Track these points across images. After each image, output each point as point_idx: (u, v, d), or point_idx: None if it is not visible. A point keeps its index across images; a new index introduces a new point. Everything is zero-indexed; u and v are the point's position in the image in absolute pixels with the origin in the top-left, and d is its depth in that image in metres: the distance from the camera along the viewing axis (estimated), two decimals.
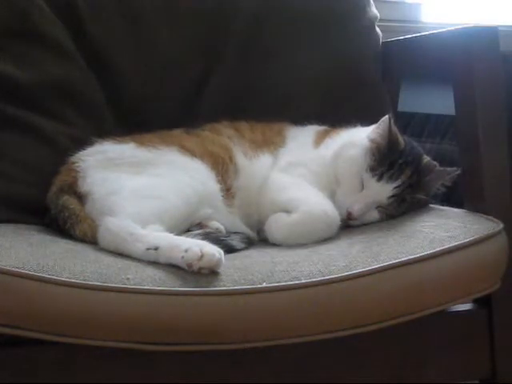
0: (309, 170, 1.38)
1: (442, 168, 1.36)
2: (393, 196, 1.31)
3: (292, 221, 1.23)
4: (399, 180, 1.30)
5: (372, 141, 1.34)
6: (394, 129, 1.34)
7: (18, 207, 1.36)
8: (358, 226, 1.32)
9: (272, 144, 1.44)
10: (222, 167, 1.36)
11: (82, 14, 1.53)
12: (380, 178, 1.31)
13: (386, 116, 1.34)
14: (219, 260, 1.08)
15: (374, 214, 1.32)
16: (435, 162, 1.37)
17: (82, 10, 1.53)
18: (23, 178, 1.38)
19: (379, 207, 1.32)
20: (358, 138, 1.37)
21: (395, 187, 1.30)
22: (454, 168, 1.34)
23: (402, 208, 1.32)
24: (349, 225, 1.32)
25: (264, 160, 1.40)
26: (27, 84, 1.44)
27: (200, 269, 1.07)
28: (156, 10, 1.60)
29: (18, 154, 1.40)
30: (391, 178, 1.30)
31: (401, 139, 1.35)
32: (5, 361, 1.11)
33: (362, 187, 1.32)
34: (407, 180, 1.31)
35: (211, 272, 1.08)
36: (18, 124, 1.42)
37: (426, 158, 1.38)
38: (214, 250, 1.08)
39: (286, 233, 1.23)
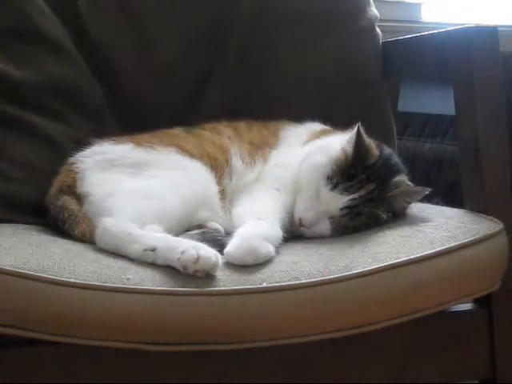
0: (289, 170, 1.35)
1: (411, 187, 1.31)
2: (346, 208, 1.26)
3: (228, 248, 1.14)
4: (356, 194, 1.26)
5: (342, 150, 1.30)
6: (367, 141, 1.30)
7: (18, 207, 1.36)
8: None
9: (267, 146, 1.42)
10: (220, 169, 1.35)
11: (82, 14, 1.54)
12: (334, 188, 1.26)
13: (357, 125, 1.29)
14: (215, 263, 1.07)
15: (326, 225, 1.27)
16: (408, 182, 1.32)
17: (82, 10, 1.54)
18: (23, 178, 1.39)
19: (331, 218, 1.27)
20: (333, 144, 1.33)
21: (350, 200, 1.26)
22: (424, 188, 1.29)
23: (357, 222, 1.26)
24: (301, 234, 1.28)
25: (257, 169, 1.38)
26: (27, 84, 1.44)
27: (195, 271, 1.07)
28: (156, 10, 1.60)
29: (18, 154, 1.40)
30: (347, 190, 1.26)
31: (373, 152, 1.30)
32: (5, 361, 1.11)
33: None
34: (366, 195, 1.26)
35: (207, 275, 1.07)
36: (18, 124, 1.42)
37: (399, 178, 1.32)
38: (210, 254, 1.08)
39: (227, 256, 1.14)
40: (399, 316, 1.15)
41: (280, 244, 1.21)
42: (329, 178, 1.28)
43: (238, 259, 1.12)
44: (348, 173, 1.28)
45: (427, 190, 1.30)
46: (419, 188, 1.31)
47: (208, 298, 1.06)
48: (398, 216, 1.30)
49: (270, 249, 1.15)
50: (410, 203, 1.32)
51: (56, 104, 1.47)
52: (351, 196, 1.26)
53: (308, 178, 1.31)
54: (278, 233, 1.21)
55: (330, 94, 1.64)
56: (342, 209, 1.27)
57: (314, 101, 1.63)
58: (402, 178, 1.33)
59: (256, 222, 1.22)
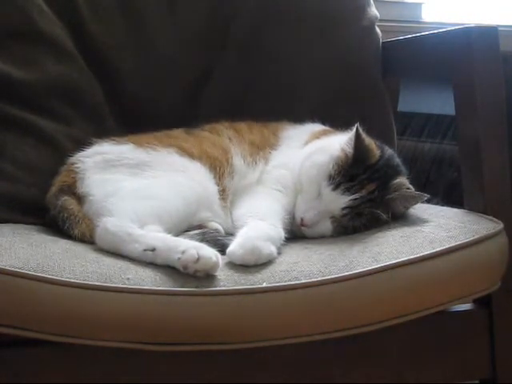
0: (289, 171, 1.36)
1: (409, 192, 1.31)
2: (347, 208, 1.26)
3: (231, 248, 1.15)
4: (357, 194, 1.26)
5: (342, 150, 1.30)
6: (367, 141, 1.30)
7: (18, 207, 1.36)
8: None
9: (268, 146, 1.43)
10: (220, 169, 1.35)
11: (82, 14, 1.54)
12: (336, 188, 1.27)
13: (355, 125, 1.29)
14: (215, 263, 1.08)
15: (327, 225, 1.28)
16: (409, 186, 1.32)
17: (82, 9, 1.54)
18: (23, 177, 1.38)
19: (332, 217, 1.28)
20: (334, 144, 1.33)
21: (351, 199, 1.26)
22: (423, 194, 1.29)
23: (357, 222, 1.27)
24: (302, 234, 1.29)
25: (259, 168, 1.39)
26: (27, 84, 1.44)
27: (195, 271, 1.07)
28: (156, 9, 1.60)
29: (18, 154, 1.40)
30: (348, 190, 1.26)
31: (374, 153, 1.30)
32: (5, 361, 1.11)
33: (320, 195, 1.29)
34: (367, 195, 1.27)
35: (207, 275, 1.07)
36: (18, 124, 1.42)
37: (399, 180, 1.32)
38: (210, 253, 1.08)
39: (229, 255, 1.14)
40: (399, 316, 1.15)
41: (281, 244, 1.21)
42: (331, 178, 1.28)
43: (240, 259, 1.12)
44: (350, 173, 1.28)
45: (425, 197, 1.29)
46: (417, 194, 1.30)
47: (208, 298, 1.06)
48: (396, 218, 1.30)
49: (273, 249, 1.15)
50: (407, 208, 1.31)
51: (56, 104, 1.47)
52: (352, 196, 1.26)
53: (309, 178, 1.31)
54: (280, 234, 1.22)
55: (330, 95, 1.64)
56: (343, 209, 1.27)
57: (313, 101, 1.63)
58: (403, 181, 1.32)
59: (258, 222, 1.22)
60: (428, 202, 1.34)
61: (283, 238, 1.22)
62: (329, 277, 1.10)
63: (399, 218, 1.30)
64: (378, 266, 1.13)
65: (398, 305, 1.15)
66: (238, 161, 1.38)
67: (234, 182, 1.36)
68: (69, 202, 1.27)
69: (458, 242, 1.18)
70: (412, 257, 1.15)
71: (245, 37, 1.64)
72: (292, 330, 1.10)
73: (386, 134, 1.60)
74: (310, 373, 1.21)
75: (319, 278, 1.10)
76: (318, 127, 1.49)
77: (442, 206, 1.38)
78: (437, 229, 1.22)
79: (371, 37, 1.70)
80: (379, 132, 1.42)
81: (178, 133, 1.42)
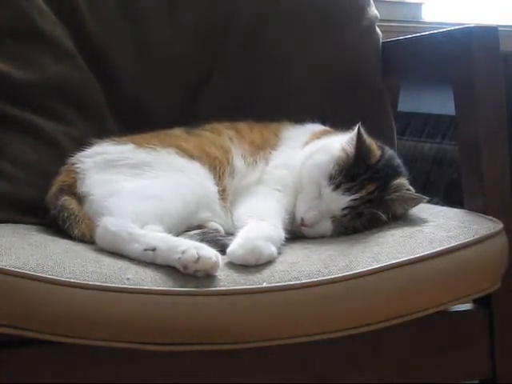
0: (290, 171, 1.36)
1: (409, 193, 1.30)
2: (348, 208, 1.27)
3: (232, 247, 1.15)
4: (358, 194, 1.26)
5: (342, 149, 1.30)
6: (368, 141, 1.30)
7: (18, 207, 1.36)
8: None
9: (268, 146, 1.43)
10: (220, 169, 1.35)
11: (82, 14, 1.54)
12: (336, 188, 1.27)
13: (357, 125, 1.29)
14: (215, 263, 1.07)
15: (327, 225, 1.28)
16: (409, 187, 1.31)
17: (82, 10, 1.54)
18: (23, 177, 1.38)
19: (333, 217, 1.28)
20: (334, 144, 1.33)
21: (351, 200, 1.26)
22: (422, 196, 1.29)
23: (358, 222, 1.27)
24: (302, 234, 1.29)
25: (259, 168, 1.39)
26: (27, 84, 1.44)
27: (195, 271, 1.07)
28: (156, 9, 1.60)
29: (18, 153, 1.40)
30: (349, 191, 1.27)
31: (375, 153, 1.30)
32: (5, 361, 1.11)
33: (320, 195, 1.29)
34: (367, 195, 1.27)
35: (207, 275, 1.07)
36: (18, 124, 1.42)
37: (399, 180, 1.32)
38: (211, 253, 1.08)
39: (229, 255, 1.15)
40: (399, 316, 1.15)
41: (281, 244, 1.21)
42: (331, 178, 1.28)
43: (240, 259, 1.12)
44: (350, 173, 1.28)
45: (425, 199, 1.29)
46: (417, 196, 1.30)
47: (208, 298, 1.06)
48: (396, 219, 1.30)
49: (273, 250, 1.15)
50: (406, 210, 1.31)
51: (56, 103, 1.47)
52: (353, 196, 1.27)
53: (310, 178, 1.31)
54: (281, 234, 1.22)
55: (330, 95, 1.64)
56: (343, 209, 1.27)
57: (313, 101, 1.63)
58: (403, 182, 1.32)
59: (259, 223, 1.22)
60: (428, 202, 1.34)
61: (283, 238, 1.22)
62: (329, 277, 1.10)
63: (399, 218, 1.30)
64: (378, 266, 1.13)
65: (398, 305, 1.15)
66: (238, 161, 1.38)
67: (235, 182, 1.36)
68: (69, 201, 1.27)
69: (458, 242, 1.18)
70: (412, 257, 1.15)
71: (245, 37, 1.64)
72: (292, 330, 1.10)
73: (386, 134, 1.60)
74: (310, 373, 1.21)
75: (319, 278, 1.10)
76: (318, 127, 1.49)
77: (442, 206, 1.38)
78: (437, 229, 1.22)
79: (371, 37, 1.70)
80: (379, 132, 1.42)
81: (179, 132, 1.42)
